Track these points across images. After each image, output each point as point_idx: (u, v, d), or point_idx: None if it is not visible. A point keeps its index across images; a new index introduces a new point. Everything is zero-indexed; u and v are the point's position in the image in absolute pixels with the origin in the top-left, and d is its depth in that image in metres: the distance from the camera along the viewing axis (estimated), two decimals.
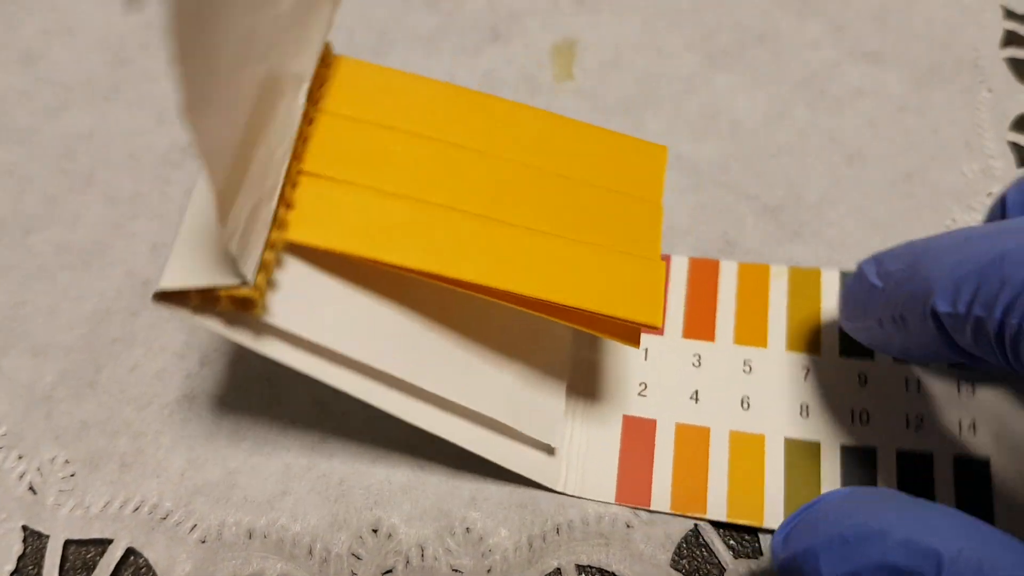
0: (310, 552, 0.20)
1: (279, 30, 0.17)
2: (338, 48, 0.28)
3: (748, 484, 0.21)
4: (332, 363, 0.19)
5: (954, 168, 0.27)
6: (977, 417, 0.22)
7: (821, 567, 0.16)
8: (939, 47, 0.30)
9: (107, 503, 0.21)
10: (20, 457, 0.21)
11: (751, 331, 0.23)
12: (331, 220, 0.18)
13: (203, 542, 0.20)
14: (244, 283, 0.16)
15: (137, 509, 0.20)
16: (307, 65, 0.18)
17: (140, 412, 0.22)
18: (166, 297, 0.16)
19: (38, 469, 0.21)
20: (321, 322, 0.18)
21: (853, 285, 0.20)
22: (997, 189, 0.27)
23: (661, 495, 0.21)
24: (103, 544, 0.20)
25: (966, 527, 0.15)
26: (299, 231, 0.18)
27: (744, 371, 0.22)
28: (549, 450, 0.21)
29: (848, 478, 0.21)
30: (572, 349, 0.23)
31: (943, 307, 0.17)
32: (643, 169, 0.21)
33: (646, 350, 0.23)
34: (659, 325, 0.19)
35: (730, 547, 0.21)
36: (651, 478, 0.21)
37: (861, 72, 0.29)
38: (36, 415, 0.22)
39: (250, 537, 0.20)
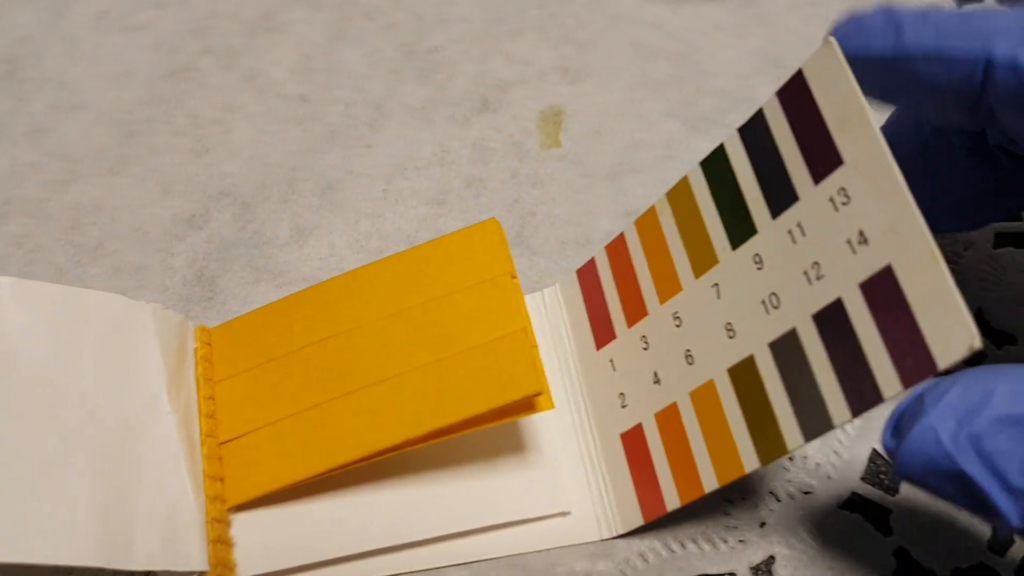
0: None
1: (78, 420, 0.20)
2: (334, 124, 0.29)
3: (720, 438, 0.20)
4: (324, 569, 0.21)
5: None
6: (864, 228, 0.19)
7: (940, 436, 0.16)
8: None
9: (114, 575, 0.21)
10: None
11: (666, 282, 0.22)
12: (258, 468, 0.21)
13: None
14: (201, 573, 0.20)
15: None
16: (156, 388, 0.21)
17: None
18: None
19: None
20: (291, 545, 0.21)
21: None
22: (972, 245, 0.28)
23: (670, 494, 0.21)
24: None
25: None
26: (236, 494, 0.21)
27: (676, 325, 0.22)
28: (566, 515, 0.22)
29: (787, 375, 0.19)
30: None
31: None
32: (486, 250, 0.22)
33: (611, 361, 0.23)
34: (540, 391, 0.20)
35: None
36: (658, 482, 0.21)
37: None
38: None
39: None
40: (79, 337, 0.20)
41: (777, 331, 0.19)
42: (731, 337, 0.20)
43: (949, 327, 0.15)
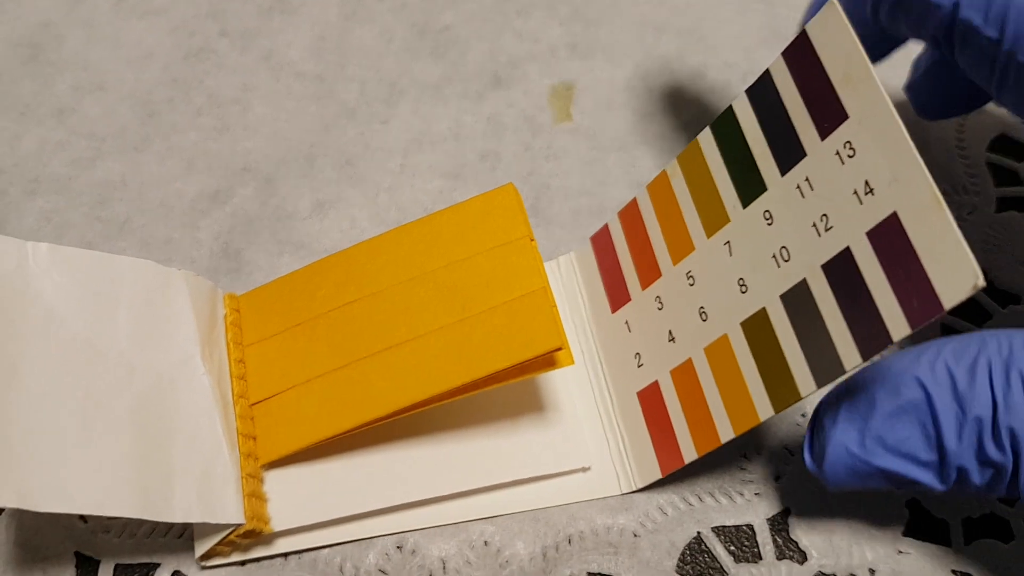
0: (340, 570, 0.22)
1: (122, 359, 0.21)
2: (350, 101, 0.30)
3: (734, 389, 0.21)
4: (355, 522, 0.22)
5: None
6: (869, 179, 0.19)
7: (850, 448, 0.19)
8: None
9: (153, 529, 0.22)
10: None
11: (679, 243, 0.23)
12: (288, 427, 0.22)
13: (242, 565, 0.22)
14: (238, 524, 0.21)
15: (181, 535, 0.22)
16: (190, 349, 0.22)
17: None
18: (207, 557, 0.21)
19: None
20: (322, 501, 0.22)
21: None
22: (977, 207, 0.29)
23: (687, 447, 0.22)
24: (150, 568, 0.22)
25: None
26: (267, 452, 0.22)
27: (689, 284, 0.22)
28: (586, 470, 0.23)
29: (799, 325, 0.19)
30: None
31: None
32: (504, 214, 0.23)
33: (626, 323, 0.24)
34: (560, 345, 0.20)
35: (731, 552, 0.22)
36: (675, 436, 0.22)
37: None
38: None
39: (285, 558, 0.22)
40: (114, 300, 0.21)
41: (788, 283, 0.20)
42: (743, 292, 0.21)
43: (953, 268, 0.16)
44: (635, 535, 0.22)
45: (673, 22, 0.32)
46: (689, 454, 0.22)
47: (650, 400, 0.23)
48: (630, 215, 0.25)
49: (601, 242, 0.25)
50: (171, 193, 0.27)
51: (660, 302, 0.23)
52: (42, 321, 0.20)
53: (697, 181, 0.22)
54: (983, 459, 0.18)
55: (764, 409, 0.20)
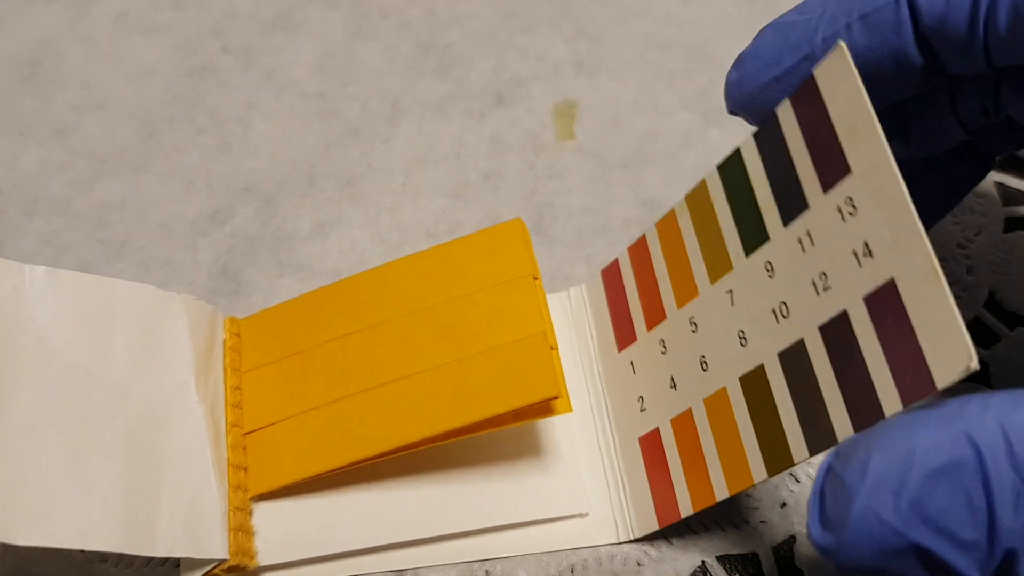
0: None
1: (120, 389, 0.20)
2: (353, 120, 0.29)
3: (731, 446, 0.20)
4: (342, 561, 0.22)
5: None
6: (869, 241, 0.18)
7: (882, 515, 0.14)
8: None
9: (150, 560, 0.22)
10: None
11: (684, 287, 0.22)
12: (281, 459, 0.21)
13: None
14: (223, 559, 0.20)
15: (178, 565, 0.22)
16: (185, 376, 0.22)
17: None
18: None
19: None
20: (311, 538, 0.21)
21: (760, 47, 0.19)
22: (985, 227, 0.28)
23: (684, 501, 0.21)
24: None
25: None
26: (258, 484, 0.21)
27: (692, 331, 0.22)
28: (584, 516, 0.22)
29: (794, 387, 0.19)
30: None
31: None
32: (509, 250, 0.22)
33: (631, 363, 0.23)
34: (557, 394, 0.20)
35: None
36: (672, 488, 0.21)
37: None
38: None
39: None
40: (110, 325, 0.21)
41: (786, 341, 0.19)
42: (743, 345, 0.20)
43: (948, 347, 0.15)
44: (639, 564, 0.22)
45: (679, 39, 0.32)
46: (686, 509, 0.21)
47: (651, 447, 0.22)
48: (639, 252, 0.24)
49: (611, 277, 0.25)
50: (171, 214, 0.27)
51: (664, 346, 0.22)
52: (36, 347, 0.20)
53: (703, 223, 0.22)
54: None
55: (758, 471, 0.19)
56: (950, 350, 0.15)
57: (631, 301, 0.24)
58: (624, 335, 0.24)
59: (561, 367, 0.22)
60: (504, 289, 0.22)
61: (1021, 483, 0.14)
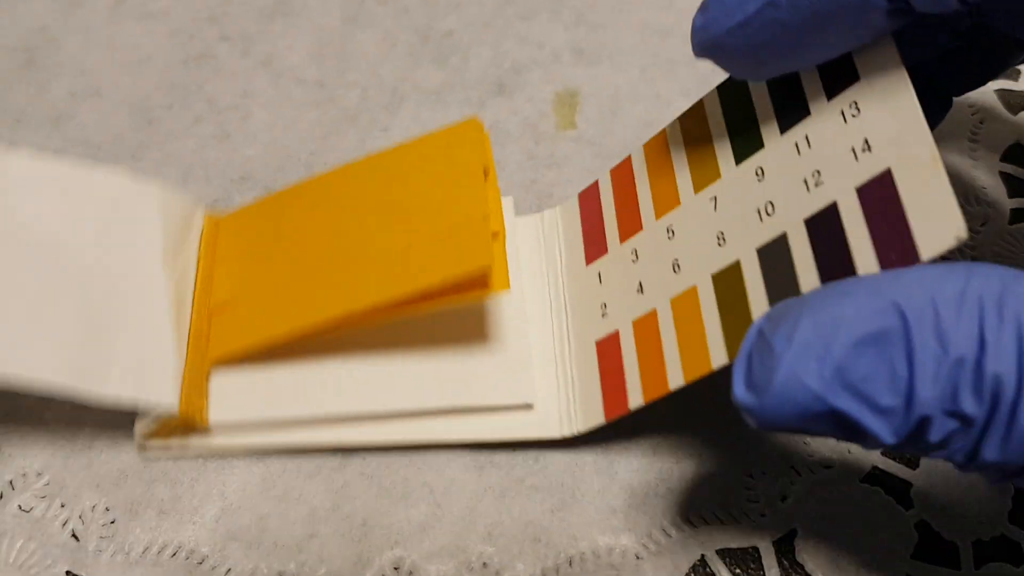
0: None
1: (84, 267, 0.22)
2: (351, 108, 0.29)
3: (693, 339, 0.21)
4: (293, 429, 0.23)
5: None
6: (869, 137, 0.19)
7: (805, 380, 0.15)
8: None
9: (146, 548, 0.22)
10: (63, 505, 0.22)
11: (666, 199, 0.23)
12: (238, 330, 0.23)
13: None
14: (171, 408, 0.21)
15: (175, 554, 0.22)
16: (152, 254, 0.23)
17: (176, 462, 0.23)
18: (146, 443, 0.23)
19: (80, 516, 0.22)
20: (262, 402, 0.23)
21: None
22: (990, 219, 0.28)
23: (635, 393, 0.22)
24: None
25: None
26: (216, 350, 0.23)
27: (668, 238, 0.22)
28: (529, 407, 0.23)
29: (771, 279, 0.19)
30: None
31: None
32: (466, 146, 0.23)
33: (599, 274, 0.24)
34: (487, 264, 0.21)
35: (736, 575, 0.22)
36: (624, 383, 0.22)
37: None
38: (77, 464, 0.23)
39: None
40: (84, 208, 0.22)
41: (767, 236, 0.19)
42: (720, 245, 0.21)
43: (938, 220, 0.16)
44: (638, 557, 0.22)
45: (680, 26, 0.32)
46: (635, 400, 0.21)
47: (607, 349, 0.23)
48: (622, 172, 0.25)
49: (588, 198, 0.26)
50: None
51: (635, 255, 0.23)
52: (10, 219, 0.21)
53: (694, 140, 0.22)
54: (952, 410, 0.15)
55: (719, 356, 0.20)
56: (940, 223, 0.16)
57: (607, 217, 0.24)
58: (594, 249, 0.25)
59: (504, 252, 0.23)
60: (456, 180, 0.23)
61: (943, 353, 0.14)
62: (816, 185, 0.19)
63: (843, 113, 0.19)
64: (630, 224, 0.24)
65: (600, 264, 0.24)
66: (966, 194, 0.28)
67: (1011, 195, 0.28)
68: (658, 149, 0.24)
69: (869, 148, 0.18)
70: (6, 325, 0.20)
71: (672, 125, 0.23)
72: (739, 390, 0.16)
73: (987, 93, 0.31)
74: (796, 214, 0.19)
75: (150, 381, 0.21)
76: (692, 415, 0.24)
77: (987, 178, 0.29)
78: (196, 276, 0.24)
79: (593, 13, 0.32)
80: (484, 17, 0.31)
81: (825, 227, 0.18)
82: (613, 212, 0.24)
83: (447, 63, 0.30)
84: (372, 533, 0.22)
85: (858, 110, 0.18)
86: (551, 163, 0.28)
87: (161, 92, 0.29)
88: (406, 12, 0.31)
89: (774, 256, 0.19)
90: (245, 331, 0.23)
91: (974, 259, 0.27)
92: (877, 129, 0.18)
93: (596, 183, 0.25)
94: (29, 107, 0.29)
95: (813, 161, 0.19)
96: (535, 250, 0.26)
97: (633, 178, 0.24)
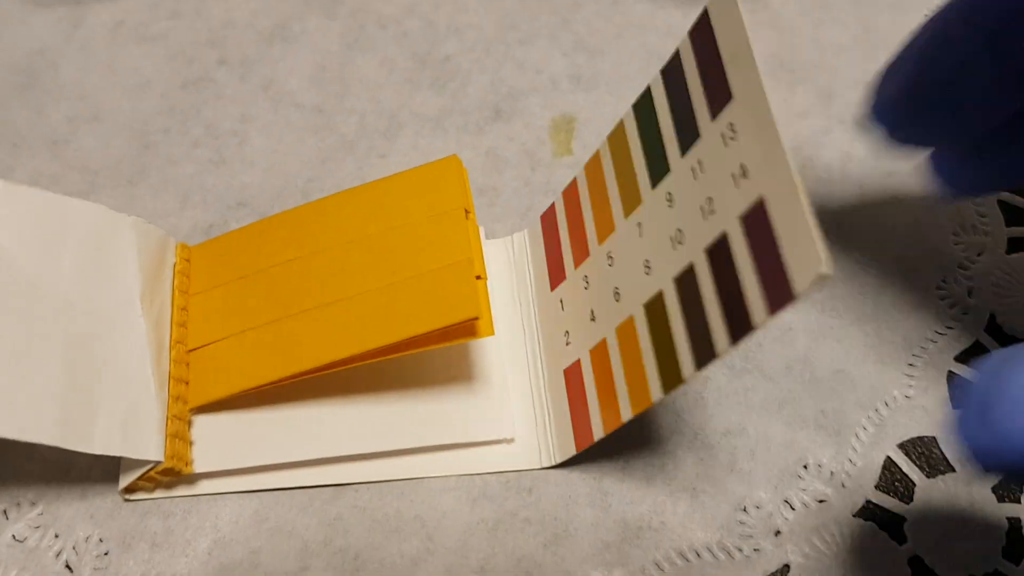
0: None
1: (65, 298, 0.22)
2: (351, 133, 0.29)
3: (635, 370, 0.21)
4: (274, 473, 0.23)
5: (944, 229, 0.28)
6: (745, 162, 0.18)
7: None
8: None
9: None
10: (56, 536, 0.22)
11: (605, 223, 0.23)
12: (220, 374, 0.22)
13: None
14: (157, 461, 0.21)
15: None
16: (130, 293, 0.23)
17: (169, 491, 0.23)
18: (130, 491, 0.22)
19: (73, 547, 0.22)
20: (246, 449, 0.22)
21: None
22: (987, 248, 0.28)
23: (596, 425, 0.22)
24: None
25: None
26: (198, 396, 0.23)
27: (608, 264, 0.22)
28: (510, 441, 0.24)
29: (687, 310, 0.19)
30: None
31: None
32: (446, 185, 0.23)
33: (561, 301, 0.24)
34: (476, 315, 0.21)
35: None
36: (588, 413, 0.22)
37: (850, 138, 0.30)
38: (71, 495, 0.23)
39: None
40: (61, 240, 0.22)
41: (680, 266, 0.20)
42: (647, 274, 0.21)
43: (804, 256, 0.16)
44: None
45: None
46: (598, 432, 0.22)
47: (573, 378, 0.23)
48: (571, 194, 0.25)
49: (548, 220, 0.26)
50: (166, 228, 0.27)
51: (587, 281, 0.23)
52: None
53: (620, 161, 0.23)
54: None
55: (656, 391, 0.20)
56: (806, 259, 0.16)
57: (563, 241, 0.25)
58: (556, 274, 0.25)
59: (487, 295, 0.23)
60: (437, 220, 0.23)
61: None
62: (711, 212, 0.19)
63: (723, 136, 0.19)
64: (580, 249, 0.24)
65: (561, 290, 0.24)
66: (963, 223, 0.28)
67: (1008, 224, 0.28)
68: (595, 169, 0.24)
69: (745, 174, 0.18)
70: None
71: (603, 145, 0.23)
72: (968, 431, 0.16)
73: None
74: (699, 243, 0.19)
75: (135, 434, 0.21)
76: (686, 445, 0.24)
77: (984, 206, 0.29)
78: (172, 314, 0.24)
79: (592, 38, 0.32)
80: (483, 42, 0.31)
81: (721, 257, 0.18)
82: (568, 236, 0.25)
83: (445, 88, 0.30)
84: (365, 568, 0.22)
85: (735, 133, 0.18)
86: (547, 190, 0.29)
87: (160, 116, 0.29)
88: (406, 36, 0.31)
89: (687, 286, 0.19)
90: (226, 377, 0.23)
91: (971, 289, 0.27)
92: (749, 154, 0.18)
93: (553, 205, 0.26)
94: (28, 131, 0.29)
95: (706, 187, 0.19)
96: (506, 274, 0.26)
97: (579, 200, 0.24)
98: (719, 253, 0.18)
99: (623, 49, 0.32)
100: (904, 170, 0.29)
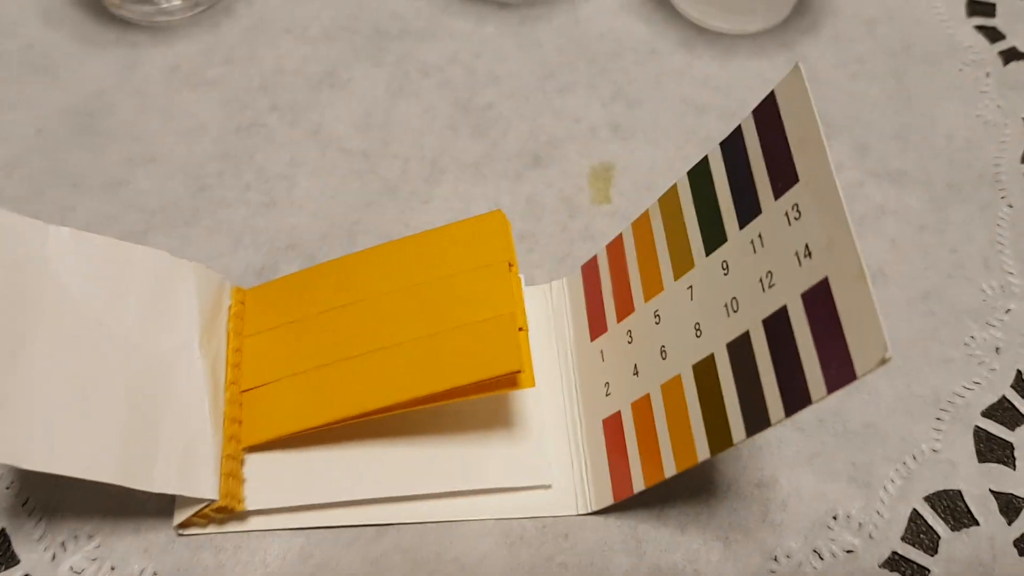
0: None
1: (128, 343, 0.23)
2: (392, 179, 0.30)
3: (681, 428, 0.22)
4: (320, 511, 0.24)
5: (973, 286, 0.29)
6: (809, 243, 0.19)
7: None
8: (960, 164, 0.32)
9: None
10: (112, 568, 0.23)
11: (652, 282, 0.24)
12: (272, 415, 0.24)
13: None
14: (212, 500, 0.22)
15: None
16: (190, 336, 0.24)
17: (221, 527, 0.24)
18: (184, 527, 0.24)
19: None
20: (296, 488, 0.24)
21: None
22: (1015, 306, 0.28)
23: (637, 477, 0.23)
24: None
25: None
26: (250, 436, 0.24)
27: (655, 323, 0.23)
28: (547, 487, 0.24)
29: (739, 375, 0.20)
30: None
31: None
32: (490, 238, 0.24)
33: (601, 352, 0.25)
34: (519, 368, 0.21)
35: None
36: (628, 466, 0.23)
37: (884, 191, 0.31)
38: (125, 529, 0.24)
39: None
40: (125, 285, 0.23)
41: (734, 333, 0.21)
42: (698, 336, 0.22)
43: (868, 340, 0.17)
44: None
45: (715, 103, 0.32)
46: (638, 484, 0.23)
47: (612, 429, 0.24)
48: (615, 249, 0.26)
49: (589, 272, 0.27)
50: (218, 269, 0.28)
51: (630, 336, 0.24)
52: (56, 298, 0.22)
53: (672, 224, 0.24)
54: None
55: (702, 450, 0.21)
56: (869, 343, 0.17)
57: (605, 294, 0.26)
58: (597, 325, 0.26)
59: (528, 347, 0.23)
60: (481, 273, 0.24)
61: None
62: (770, 286, 0.20)
63: (787, 215, 0.19)
64: (624, 304, 0.25)
65: (602, 342, 0.25)
66: (991, 280, 0.29)
67: None
68: (643, 228, 0.25)
69: (810, 254, 0.19)
70: (57, 420, 0.21)
71: (653, 207, 0.24)
72: None
73: (1017, 177, 0.31)
74: (756, 313, 0.20)
75: (192, 473, 0.22)
76: (720, 495, 0.25)
77: (1014, 263, 0.29)
78: (227, 355, 0.25)
79: (631, 88, 0.33)
80: (523, 90, 0.32)
81: (779, 329, 0.19)
82: (611, 289, 0.25)
83: (486, 135, 0.31)
84: None
85: (799, 213, 0.19)
86: (586, 236, 0.29)
87: (214, 160, 0.30)
88: (448, 83, 0.32)
89: (740, 352, 0.20)
90: (278, 419, 0.24)
91: (998, 347, 0.28)
92: (814, 235, 0.19)
93: (595, 258, 0.26)
94: (87, 172, 0.30)
95: (766, 261, 0.20)
96: (544, 321, 0.27)
97: (624, 256, 0.25)
98: (777, 325, 0.19)
99: (660, 99, 0.33)
100: (935, 225, 0.30)
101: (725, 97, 0.33)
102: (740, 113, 0.32)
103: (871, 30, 0.35)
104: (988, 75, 0.34)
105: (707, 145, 0.31)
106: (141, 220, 0.29)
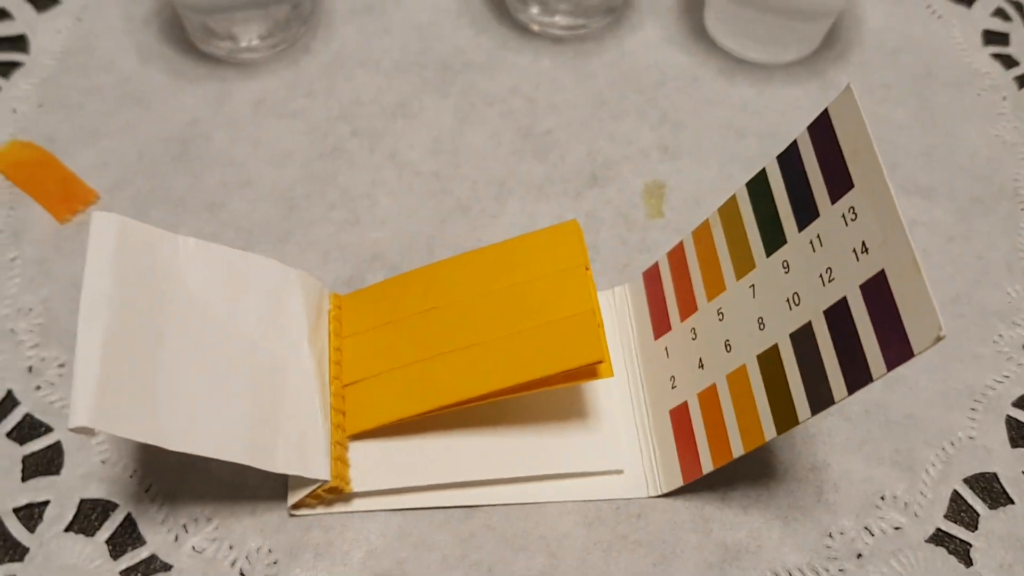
0: None
1: (247, 343, 0.26)
2: (464, 198, 0.33)
3: (747, 412, 0.24)
4: (415, 494, 0.26)
5: (998, 289, 0.31)
6: (866, 240, 0.22)
7: None
8: (983, 179, 0.34)
9: None
10: (231, 547, 0.26)
11: (714, 283, 0.26)
12: (372, 406, 0.26)
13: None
14: (324, 480, 0.25)
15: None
16: (299, 336, 0.27)
17: (329, 508, 0.26)
18: (296, 507, 0.26)
19: (247, 557, 0.26)
20: (395, 472, 0.26)
21: None
22: None
23: (705, 459, 0.25)
24: None
25: None
26: (353, 425, 0.26)
27: (719, 319, 0.26)
28: (620, 472, 0.27)
29: (802, 361, 0.23)
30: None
31: None
32: (566, 245, 0.27)
33: (666, 349, 0.28)
34: (601, 359, 0.24)
35: None
36: (696, 450, 0.26)
37: (913, 205, 0.34)
38: (242, 511, 0.26)
39: None
40: (243, 289, 0.26)
41: (797, 324, 0.23)
42: (761, 329, 0.24)
43: (923, 321, 0.19)
44: None
45: (754, 126, 0.35)
46: (707, 466, 0.25)
47: (679, 418, 0.26)
48: (677, 255, 0.28)
49: (651, 277, 0.29)
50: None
51: (694, 333, 0.27)
52: (186, 300, 0.25)
53: (732, 231, 0.26)
54: None
55: (769, 431, 0.23)
56: (925, 323, 0.19)
57: (668, 297, 0.28)
58: (660, 325, 0.28)
59: (606, 343, 0.26)
60: (560, 276, 0.26)
61: None
62: (830, 280, 0.22)
63: (844, 217, 0.22)
64: (687, 305, 0.27)
65: (666, 340, 0.28)
66: (1016, 282, 0.31)
67: None
68: (704, 236, 0.27)
69: (867, 250, 0.21)
70: (193, 407, 0.23)
71: (713, 216, 0.27)
72: None
73: None
74: (817, 305, 0.23)
75: (308, 456, 0.25)
76: (778, 479, 0.27)
77: None
78: (329, 354, 0.27)
79: (676, 113, 0.36)
80: (579, 118, 0.35)
81: (839, 318, 0.22)
82: (673, 292, 0.28)
83: (547, 158, 0.34)
84: None
85: (855, 215, 0.22)
86: (643, 248, 0.32)
87: (301, 183, 0.33)
88: (511, 113, 0.35)
89: (803, 341, 0.23)
90: (378, 409, 0.26)
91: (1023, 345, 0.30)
92: (870, 233, 0.21)
93: (656, 264, 0.29)
94: (188, 194, 0.33)
95: (825, 259, 0.23)
96: (610, 324, 0.30)
97: (686, 261, 0.28)
98: (838, 314, 0.22)
99: (702, 122, 0.35)
100: (962, 235, 0.33)
101: (762, 121, 0.36)
102: (777, 135, 0.35)
103: (895, 59, 0.38)
104: (1005, 99, 0.37)
105: (748, 163, 0.34)
106: (239, 238, 0.32)
